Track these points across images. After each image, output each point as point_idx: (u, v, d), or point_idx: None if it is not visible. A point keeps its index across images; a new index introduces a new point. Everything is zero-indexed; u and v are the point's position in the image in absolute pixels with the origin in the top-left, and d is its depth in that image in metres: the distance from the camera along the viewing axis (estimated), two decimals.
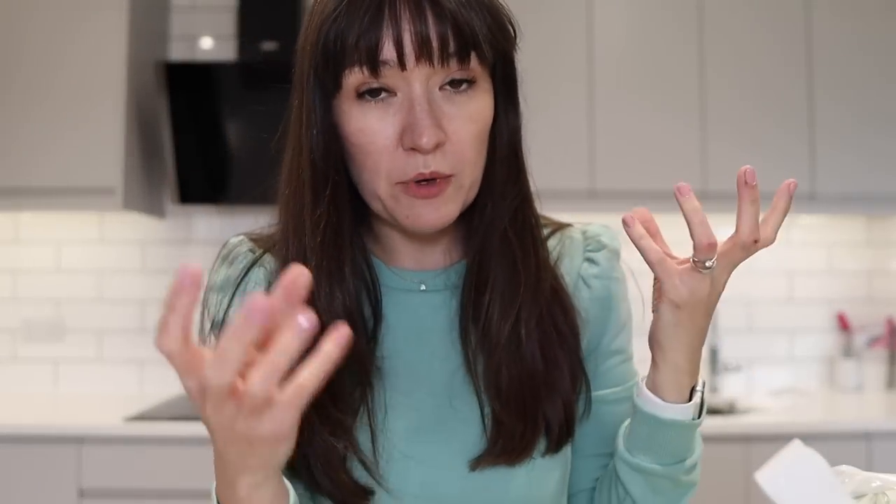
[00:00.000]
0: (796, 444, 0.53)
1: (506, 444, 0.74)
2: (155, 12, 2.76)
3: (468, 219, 0.76)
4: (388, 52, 0.65)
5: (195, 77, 2.57)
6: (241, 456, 0.52)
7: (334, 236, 0.72)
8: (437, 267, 0.78)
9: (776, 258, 2.90)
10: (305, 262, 0.69)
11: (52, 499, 2.16)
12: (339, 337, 0.48)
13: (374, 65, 0.66)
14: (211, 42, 2.85)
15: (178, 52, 2.84)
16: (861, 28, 2.60)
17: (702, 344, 0.74)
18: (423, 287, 0.78)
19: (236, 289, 0.77)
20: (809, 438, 2.43)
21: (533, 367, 0.75)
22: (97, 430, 2.18)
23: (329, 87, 0.69)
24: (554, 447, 0.76)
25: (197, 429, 2.20)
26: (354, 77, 0.67)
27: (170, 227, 2.82)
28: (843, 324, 2.85)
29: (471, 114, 0.69)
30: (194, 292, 0.47)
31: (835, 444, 2.27)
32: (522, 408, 0.74)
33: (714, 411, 2.61)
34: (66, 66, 2.47)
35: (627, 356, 0.85)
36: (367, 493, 0.72)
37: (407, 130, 0.67)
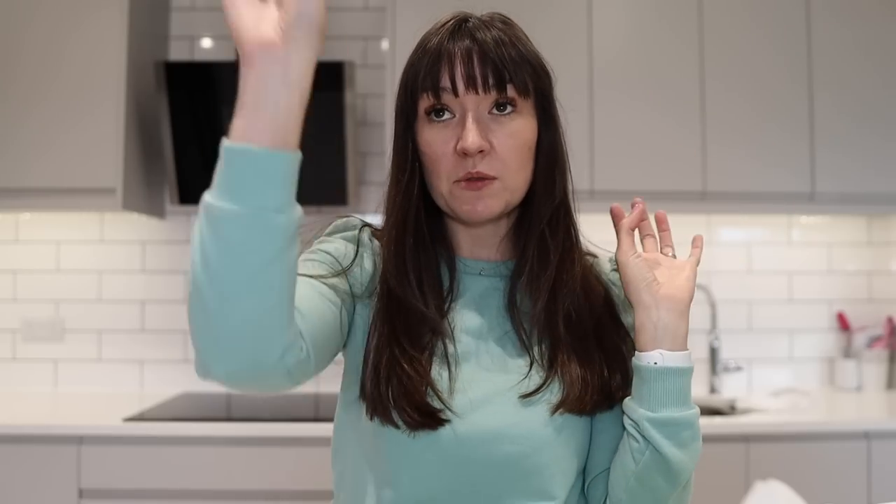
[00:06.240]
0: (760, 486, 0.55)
1: (545, 390, 0.93)
2: (155, 12, 2.76)
3: (518, 225, 0.99)
4: (445, 82, 0.91)
5: (195, 77, 2.57)
6: None
7: (412, 217, 0.95)
8: (492, 260, 1.00)
9: (776, 258, 2.90)
10: (399, 236, 0.94)
11: (51, 499, 2.16)
12: None
13: (436, 91, 0.91)
14: (211, 42, 2.85)
15: (178, 52, 2.84)
16: (860, 29, 2.59)
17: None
18: (481, 272, 0.99)
19: (358, 245, 0.98)
20: (809, 438, 2.42)
21: (564, 337, 0.95)
22: (96, 430, 2.18)
23: (410, 115, 0.94)
24: (577, 408, 0.92)
25: (196, 429, 2.20)
26: (423, 102, 0.92)
27: (170, 227, 2.82)
28: (843, 324, 2.85)
29: (512, 131, 0.92)
30: None
31: (835, 444, 2.27)
32: (555, 367, 0.94)
33: (714, 411, 2.61)
34: (65, 66, 2.47)
35: None
36: (439, 420, 0.88)
37: (459, 140, 0.90)
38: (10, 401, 2.55)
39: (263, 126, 0.66)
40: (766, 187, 2.56)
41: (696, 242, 1.01)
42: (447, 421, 0.88)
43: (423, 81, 0.92)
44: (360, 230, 1.00)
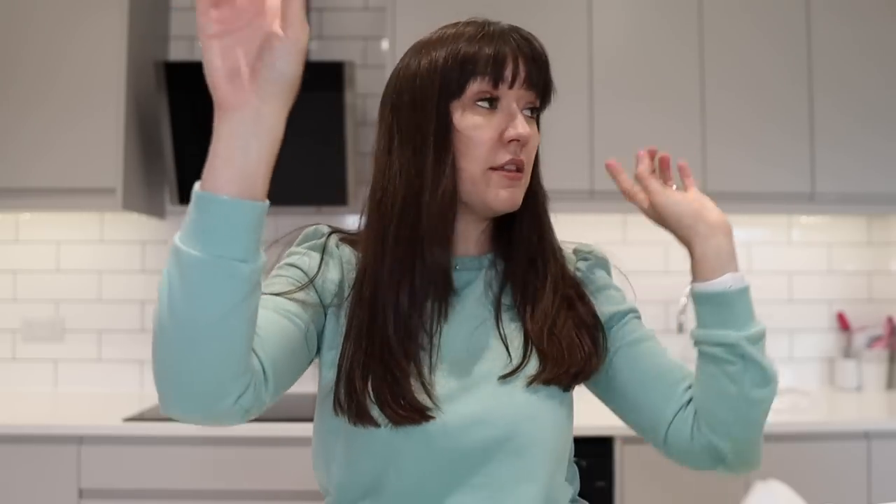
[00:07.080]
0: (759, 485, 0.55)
1: (523, 369, 0.95)
2: (155, 12, 2.76)
3: (498, 222, 1.02)
4: (508, 71, 0.93)
5: (195, 77, 2.53)
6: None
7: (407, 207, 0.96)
8: (469, 255, 1.02)
9: (776, 258, 2.90)
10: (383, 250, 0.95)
11: (51, 499, 2.16)
12: None
13: (498, 76, 0.93)
14: None
15: (178, 52, 2.84)
16: (860, 29, 2.59)
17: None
18: (457, 267, 1.00)
19: (323, 252, 0.99)
20: (809, 438, 2.41)
21: (540, 321, 0.98)
22: (96, 430, 2.18)
23: (453, 91, 0.94)
24: (555, 378, 0.95)
25: (196, 429, 2.20)
26: (477, 85, 0.93)
27: (170, 227, 2.82)
28: (843, 324, 2.85)
29: (535, 131, 0.99)
30: None
31: (835, 444, 2.27)
32: (530, 348, 0.97)
33: None
34: (65, 66, 2.47)
35: (635, 314, 1.06)
36: (424, 414, 0.89)
37: (510, 127, 0.94)
38: (10, 401, 2.55)
39: (232, 175, 0.69)
40: (766, 187, 2.56)
41: (686, 171, 1.04)
42: (431, 416, 0.90)
43: (482, 67, 0.93)
44: (328, 238, 1.01)
